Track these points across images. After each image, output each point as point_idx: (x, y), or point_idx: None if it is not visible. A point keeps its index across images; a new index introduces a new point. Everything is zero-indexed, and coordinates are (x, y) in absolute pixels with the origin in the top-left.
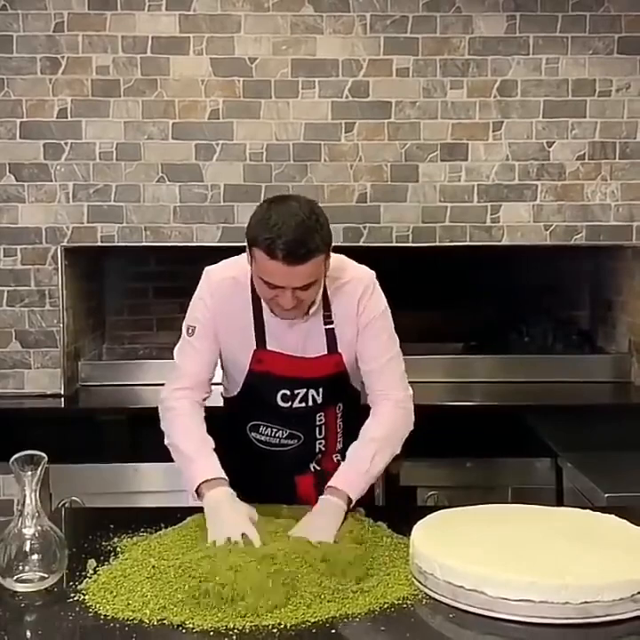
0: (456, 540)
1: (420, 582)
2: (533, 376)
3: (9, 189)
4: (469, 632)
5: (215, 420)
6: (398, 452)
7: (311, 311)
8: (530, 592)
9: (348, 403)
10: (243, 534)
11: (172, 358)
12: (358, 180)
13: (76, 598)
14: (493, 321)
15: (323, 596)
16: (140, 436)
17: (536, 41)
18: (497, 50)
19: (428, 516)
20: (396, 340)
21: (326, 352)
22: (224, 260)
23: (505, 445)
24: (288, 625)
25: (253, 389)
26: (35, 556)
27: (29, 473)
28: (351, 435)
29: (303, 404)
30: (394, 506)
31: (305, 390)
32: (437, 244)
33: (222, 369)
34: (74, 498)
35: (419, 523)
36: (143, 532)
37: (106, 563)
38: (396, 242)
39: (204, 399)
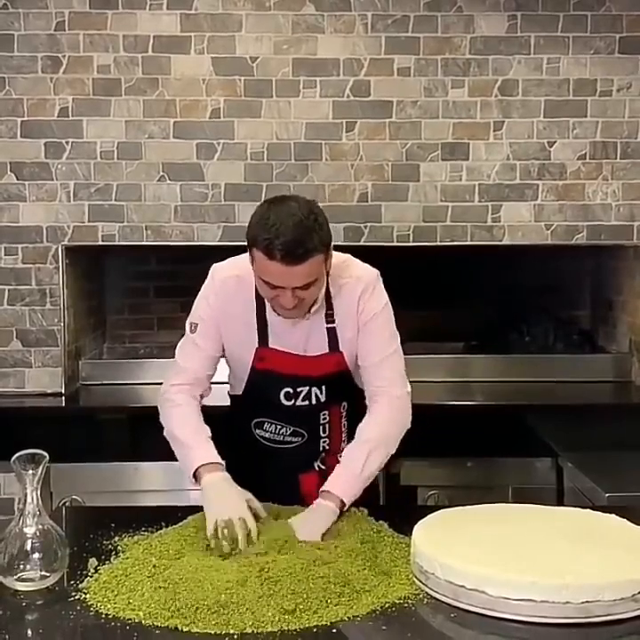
0: (457, 540)
1: (421, 582)
2: (534, 376)
3: (10, 188)
4: (470, 631)
5: (221, 418)
6: (393, 451)
7: (313, 310)
8: (531, 592)
9: (352, 402)
10: (240, 519)
11: (173, 357)
12: (359, 179)
13: (77, 597)
14: (494, 320)
15: (329, 601)
16: (141, 435)
17: (537, 40)
18: (498, 49)
19: (429, 516)
20: (396, 337)
21: (328, 350)
22: (231, 258)
23: (505, 445)
24: (292, 629)
25: (257, 387)
26: (36, 555)
27: (30, 472)
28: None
29: (306, 403)
30: (394, 505)
31: (308, 388)
32: (438, 243)
33: (228, 367)
34: (74, 497)
35: (420, 522)
36: (144, 530)
37: (107, 561)
38: (397, 241)
39: (202, 396)
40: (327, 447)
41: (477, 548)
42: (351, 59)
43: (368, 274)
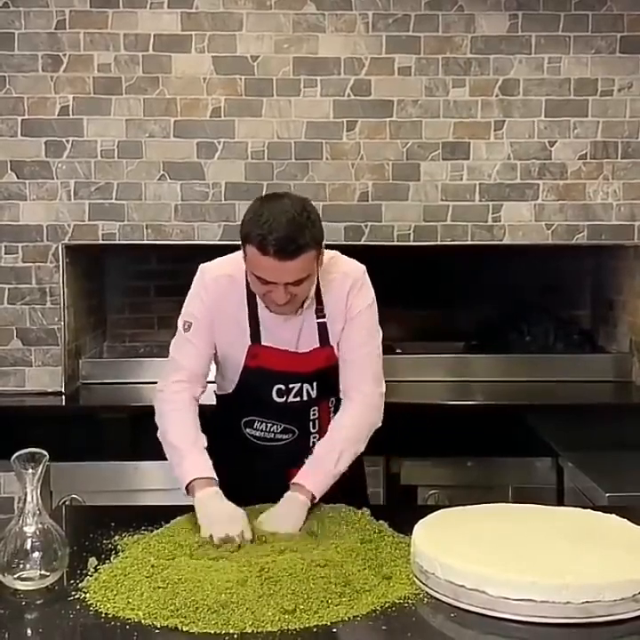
0: (457, 540)
1: (421, 582)
2: (534, 375)
3: (10, 187)
4: (471, 631)
5: (207, 417)
6: (362, 450)
7: (305, 306)
8: (531, 592)
9: (339, 397)
10: (239, 535)
11: None
12: (360, 178)
13: (76, 596)
14: (494, 320)
15: (329, 601)
16: (141, 433)
17: (538, 40)
18: (499, 49)
19: (429, 516)
20: (377, 336)
21: (318, 345)
22: (219, 258)
23: (506, 445)
24: (292, 629)
25: (249, 385)
26: (35, 554)
27: (30, 471)
28: None
29: (298, 399)
30: (395, 505)
31: (299, 385)
32: (439, 242)
33: (216, 366)
34: (74, 496)
35: (420, 522)
36: (144, 529)
37: (106, 561)
38: (398, 241)
39: (201, 393)
40: (316, 443)
41: (477, 548)
42: (352, 58)
43: (356, 269)
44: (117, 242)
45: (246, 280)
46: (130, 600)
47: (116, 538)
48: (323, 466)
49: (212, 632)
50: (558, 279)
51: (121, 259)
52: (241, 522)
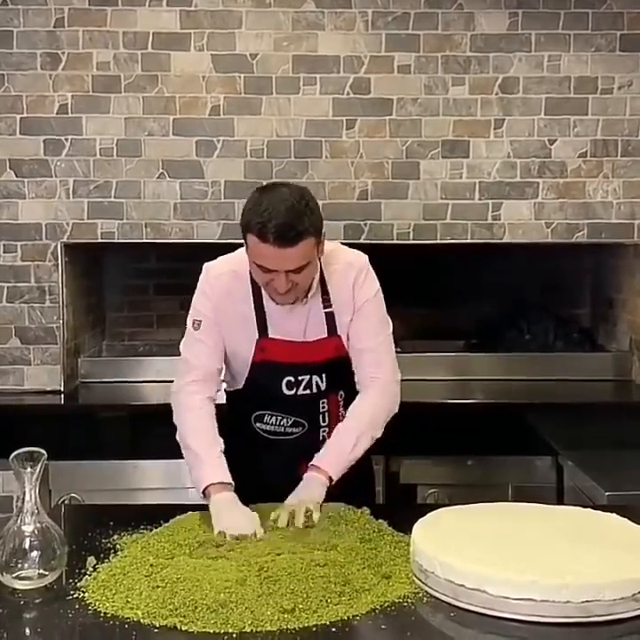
0: (457, 539)
1: (420, 581)
2: (534, 374)
3: (9, 185)
4: (470, 631)
5: (218, 414)
6: (379, 435)
7: (310, 295)
8: (531, 591)
9: (348, 391)
10: (253, 534)
11: (173, 355)
12: (359, 176)
13: (75, 596)
14: (494, 319)
15: (329, 600)
16: (140, 432)
17: (538, 38)
18: (499, 47)
19: (429, 514)
20: (388, 324)
21: (326, 335)
22: (223, 256)
23: (505, 443)
24: (291, 628)
25: (258, 380)
26: (34, 554)
27: (29, 470)
28: None
29: (308, 391)
30: (394, 503)
31: (309, 376)
32: (438, 241)
33: (225, 364)
34: (73, 494)
35: (419, 521)
36: (143, 528)
37: (105, 560)
38: (397, 239)
39: (216, 391)
40: (326, 437)
41: (477, 547)
42: (351, 56)
43: (359, 259)
44: (116, 240)
45: (251, 275)
46: (129, 599)
47: (115, 537)
48: (340, 449)
49: (211, 631)
50: (558, 278)
51: (120, 257)
52: (255, 523)
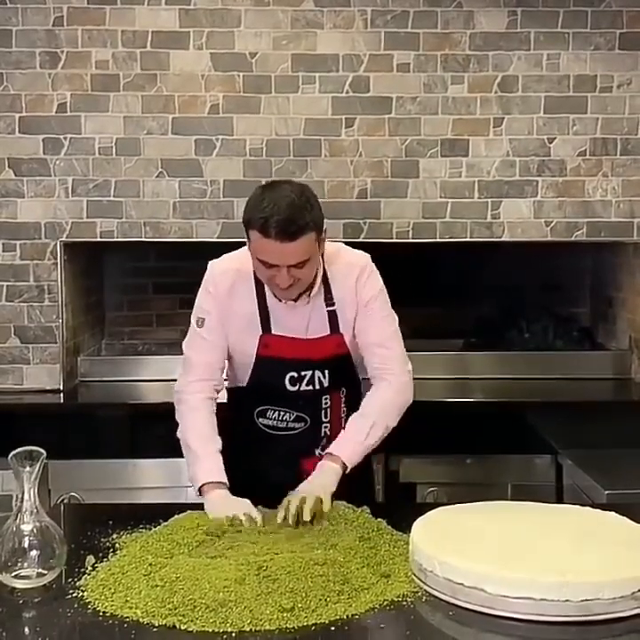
0: (456, 537)
1: (420, 580)
2: (533, 373)
3: (8, 184)
4: (469, 629)
5: (220, 410)
6: (394, 425)
7: (312, 293)
8: (530, 590)
9: (351, 389)
10: (245, 514)
11: (173, 354)
12: (358, 175)
13: (74, 595)
14: (493, 317)
15: (328, 599)
16: (139, 431)
17: (537, 36)
18: (498, 45)
19: (428, 513)
20: (394, 318)
21: (328, 332)
22: (227, 254)
23: (505, 442)
24: (290, 627)
25: (262, 375)
26: (33, 553)
27: (28, 469)
28: None
29: (310, 387)
30: (393, 502)
31: (311, 372)
32: (437, 240)
33: (228, 361)
34: (73, 494)
35: (418, 519)
36: (142, 527)
37: (105, 559)
38: (397, 238)
39: (218, 391)
40: (328, 433)
41: (476, 546)
42: (350, 54)
43: (361, 258)
44: (115, 239)
45: (254, 272)
46: (128, 598)
47: (114, 536)
48: (354, 437)
49: (211, 630)
50: (557, 276)
51: (119, 256)
52: (247, 506)
